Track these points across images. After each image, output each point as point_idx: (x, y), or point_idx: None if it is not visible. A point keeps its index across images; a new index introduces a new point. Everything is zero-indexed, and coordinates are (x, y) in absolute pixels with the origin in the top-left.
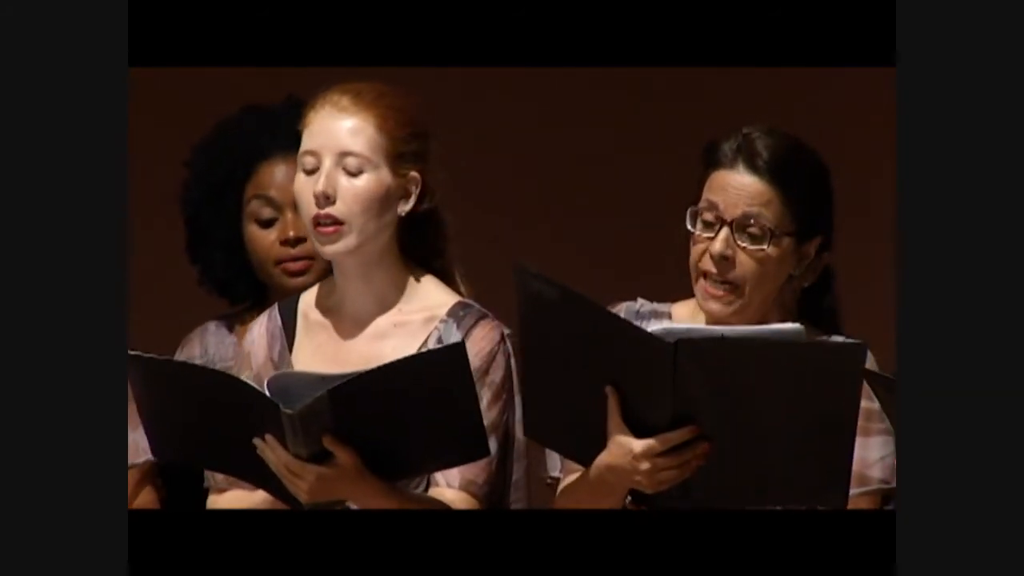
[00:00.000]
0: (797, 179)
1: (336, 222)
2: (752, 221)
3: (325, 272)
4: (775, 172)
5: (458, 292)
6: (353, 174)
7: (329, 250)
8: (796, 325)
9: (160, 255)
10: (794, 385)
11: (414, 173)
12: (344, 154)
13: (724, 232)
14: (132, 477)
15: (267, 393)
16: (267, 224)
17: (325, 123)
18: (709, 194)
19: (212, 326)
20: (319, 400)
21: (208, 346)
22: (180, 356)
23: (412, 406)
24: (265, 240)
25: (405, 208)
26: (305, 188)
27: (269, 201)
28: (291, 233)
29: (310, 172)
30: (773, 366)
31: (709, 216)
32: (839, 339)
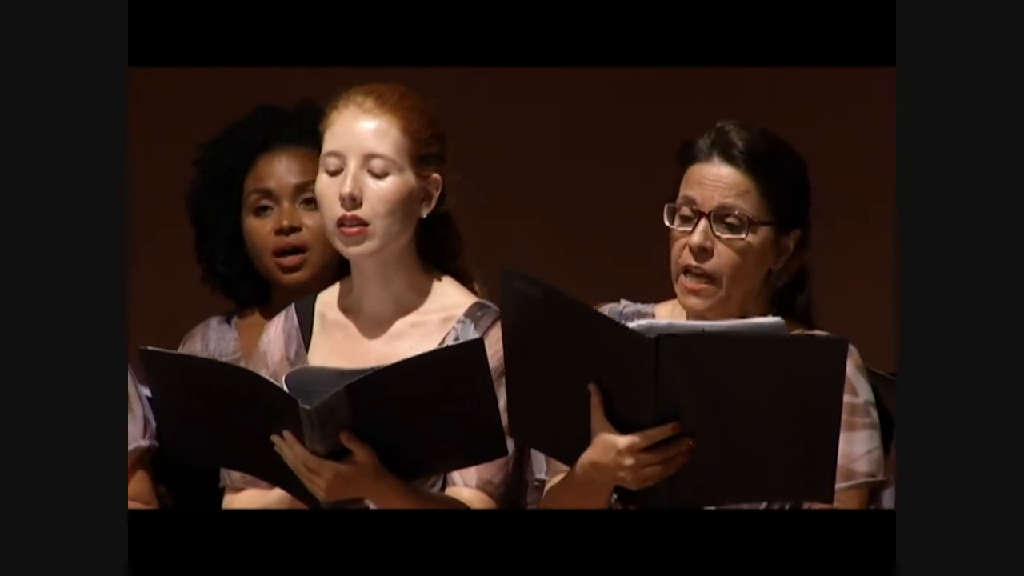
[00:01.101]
0: (773, 169)
1: (361, 223)
2: (730, 212)
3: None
4: (751, 161)
5: (474, 293)
6: (379, 176)
7: (353, 251)
8: (777, 319)
9: (159, 254)
10: (776, 379)
11: (435, 175)
12: (370, 156)
13: (702, 224)
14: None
15: (285, 388)
16: (264, 214)
17: (349, 124)
18: (686, 189)
19: (214, 322)
20: (337, 395)
21: (209, 341)
22: (182, 352)
23: (430, 403)
24: (262, 230)
25: (426, 210)
26: (328, 189)
27: (266, 192)
28: (285, 222)
29: (333, 173)
30: (754, 360)
31: (687, 211)
32: (821, 333)
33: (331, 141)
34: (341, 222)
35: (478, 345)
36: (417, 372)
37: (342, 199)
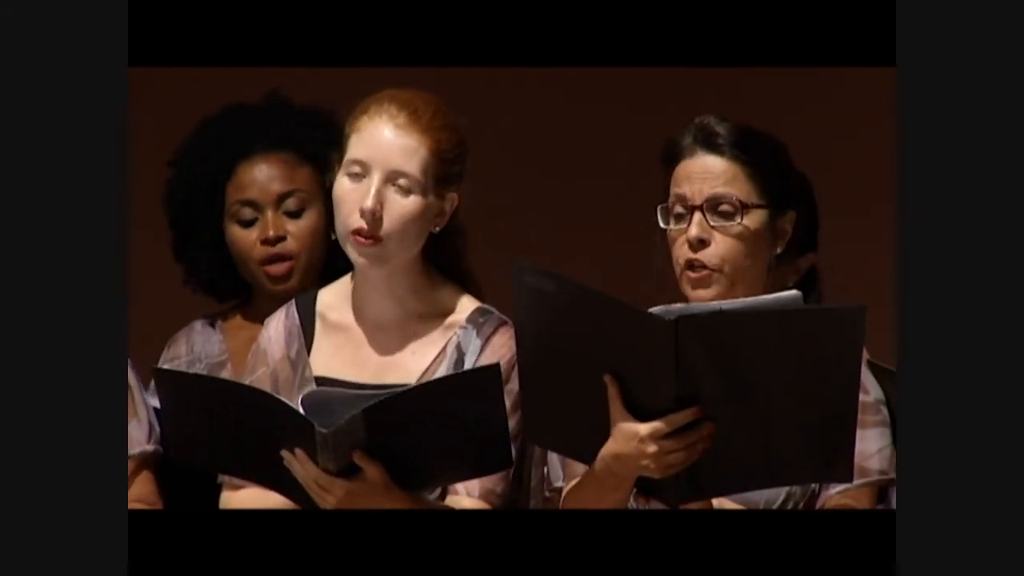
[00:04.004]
0: (757, 152)
1: (376, 237)
2: (721, 200)
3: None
4: (734, 147)
5: (478, 297)
6: (401, 194)
7: (363, 262)
8: (794, 292)
9: (159, 254)
10: (796, 353)
11: (453, 194)
12: (396, 173)
13: (697, 216)
14: (128, 468)
15: (300, 410)
16: (248, 224)
17: (379, 135)
18: (675, 188)
19: (198, 325)
20: (354, 419)
21: (194, 344)
22: (167, 355)
23: (443, 424)
24: (247, 240)
25: (439, 226)
26: (349, 195)
27: (249, 203)
28: (271, 232)
29: (355, 178)
30: (774, 335)
31: (680, 208)
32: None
33: (358, 148)
34: (357, 232)
35: (495, 370)
36: (434, 395)
37: (363, 212)
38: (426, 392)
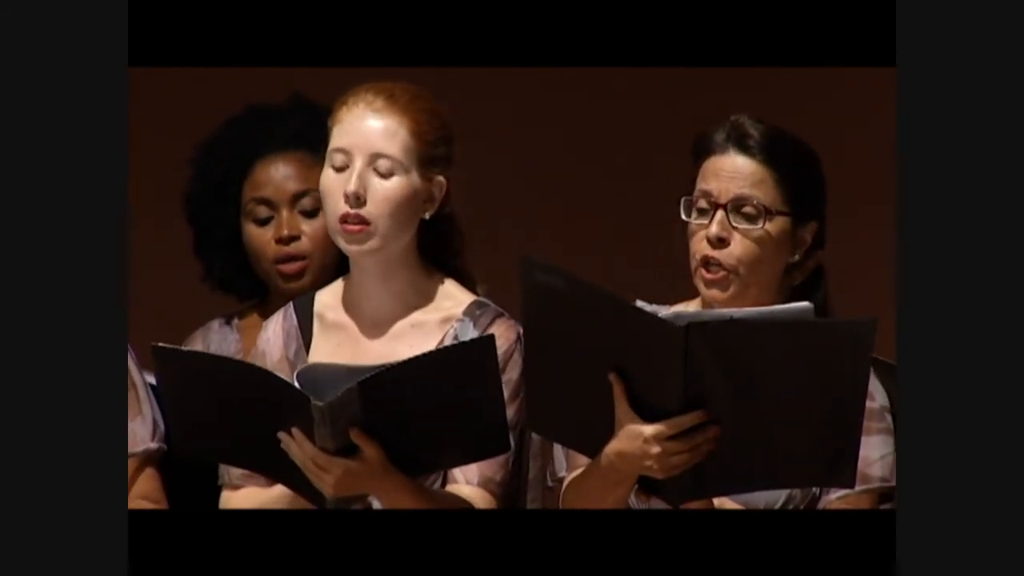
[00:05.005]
0: (788, 158)
1: (363, 222)
2: (746, 202)
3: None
4: (766, 151)
5: (474, 291)
6: (384, 176)
7: (354, 249)
8: (805, 304)
9: (159, 254)
10: (805, 363)
11: (440, 178)
12: (376, 155)
13: (719, 215)
14: (131, 465)
15: (297, 385)
16: (264, 223)
17: (358, 122)
18: (702, 183)
19: (215, 324)
20: (349, 392)
21: (210, 344)
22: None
23: (439, 399)
24: (262, 238)
25: (429, 212)
26: (334, 185)
27: (265, 201)
28: (285, 232)
29: (339, 169)
30: (783, 345)
31: (703, 203)
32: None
33: (339, 137)
34: (344, 219)
35: (489, 342)
36: (429, 368)
37: (346, 197)
38: (422, 364)
